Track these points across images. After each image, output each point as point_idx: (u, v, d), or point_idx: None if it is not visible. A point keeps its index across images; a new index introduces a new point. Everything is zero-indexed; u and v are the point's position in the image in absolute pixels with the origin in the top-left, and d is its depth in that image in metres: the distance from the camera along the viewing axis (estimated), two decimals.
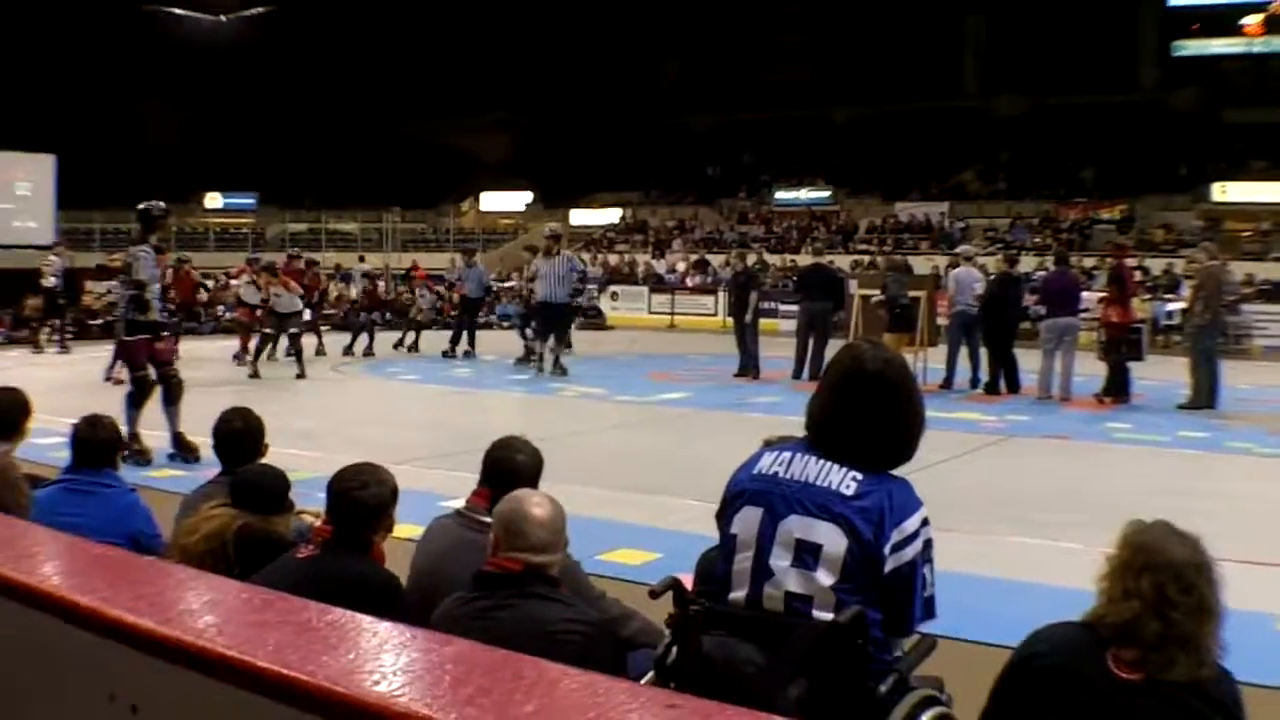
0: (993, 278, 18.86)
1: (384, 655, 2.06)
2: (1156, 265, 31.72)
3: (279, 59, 50.64)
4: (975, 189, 44.80)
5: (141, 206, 12.22)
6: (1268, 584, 8.01)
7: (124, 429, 10.33)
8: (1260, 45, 44.62)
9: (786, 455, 3.62)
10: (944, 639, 3.97)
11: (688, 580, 3.79)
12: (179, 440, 11.53)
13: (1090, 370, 17.13)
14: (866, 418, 3.55)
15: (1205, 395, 16.14)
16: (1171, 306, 22.93)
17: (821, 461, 3.54)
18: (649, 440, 13.86)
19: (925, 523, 3.48)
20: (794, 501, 3.50)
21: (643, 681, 3.54)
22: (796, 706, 3.24)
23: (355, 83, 51.97)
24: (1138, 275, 26.83)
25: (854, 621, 3.35)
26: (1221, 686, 3.26)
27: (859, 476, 3.47)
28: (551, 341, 19.66)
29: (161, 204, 12.59)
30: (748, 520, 3.57)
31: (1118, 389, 16.59)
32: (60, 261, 24.84)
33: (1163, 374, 17.79)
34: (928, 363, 17.30)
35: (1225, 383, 16.67)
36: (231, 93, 50.88)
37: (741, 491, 3.64)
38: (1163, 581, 3.22)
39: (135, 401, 11.62)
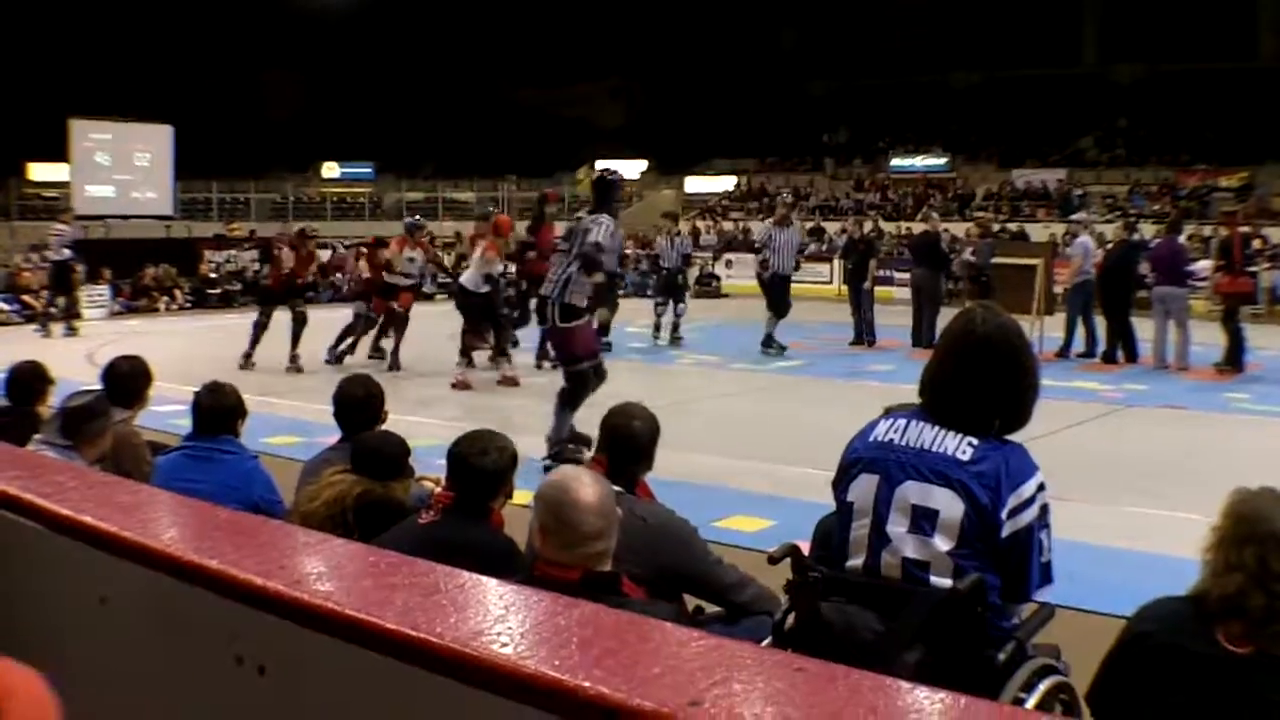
0: (1110, 246, 18.60)
1: (511, 618, 2.08)
2: (1277, 234, 30.97)
3: (395, 28, 50.94)
4: (1093, 156, 43.96)
5: (597, 174, 10.90)
6: None
7: (549, 434, 9.92)
8: None
9: (902, 422, 3.63)
10: (1062, 608, 3.96)
11: (805, 547, 3.77)
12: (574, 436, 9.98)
13: (1210, 339, 16.81)
14: (979, 382, 3.55)
15: None
16: None
17: (937, 428, 3.55)
18: (765, 408, 13.85)
19: (1042, 488, 3.48)
20: (910, 468, 3.51)
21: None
22: (915, 672, 3.22)
23: (470, 51, 52.12)
24: (1257, 244, 26.25)
25: (973, 589, 3.36)
26: None
27: (975, 442, 3.47)
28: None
29: (614, 169, 11.29)
30: (864, 488, 3.59)
31: (1234, 359, 16.29)
32: (71, 231, 22.90)
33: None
34: (1044, 331, 17.04)
35: None
36: (348, 62, 51.24)
37: (857, 459, 3.65)
38: (1265, 553, 3.15)
39: (573, 399, 9.90)
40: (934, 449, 3.51)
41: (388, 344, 16.95)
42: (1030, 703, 3.37)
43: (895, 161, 46.01)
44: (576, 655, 1.87)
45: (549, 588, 3.46)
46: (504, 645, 1.90)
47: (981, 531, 3.41)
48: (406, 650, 1.96)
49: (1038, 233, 33.28)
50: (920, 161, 45.43)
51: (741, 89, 50.50)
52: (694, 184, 47.66)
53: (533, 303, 13.07)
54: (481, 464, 4.37)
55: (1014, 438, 3.58)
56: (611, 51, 50.98)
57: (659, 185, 47.14)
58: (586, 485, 3.54)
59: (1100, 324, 17.63)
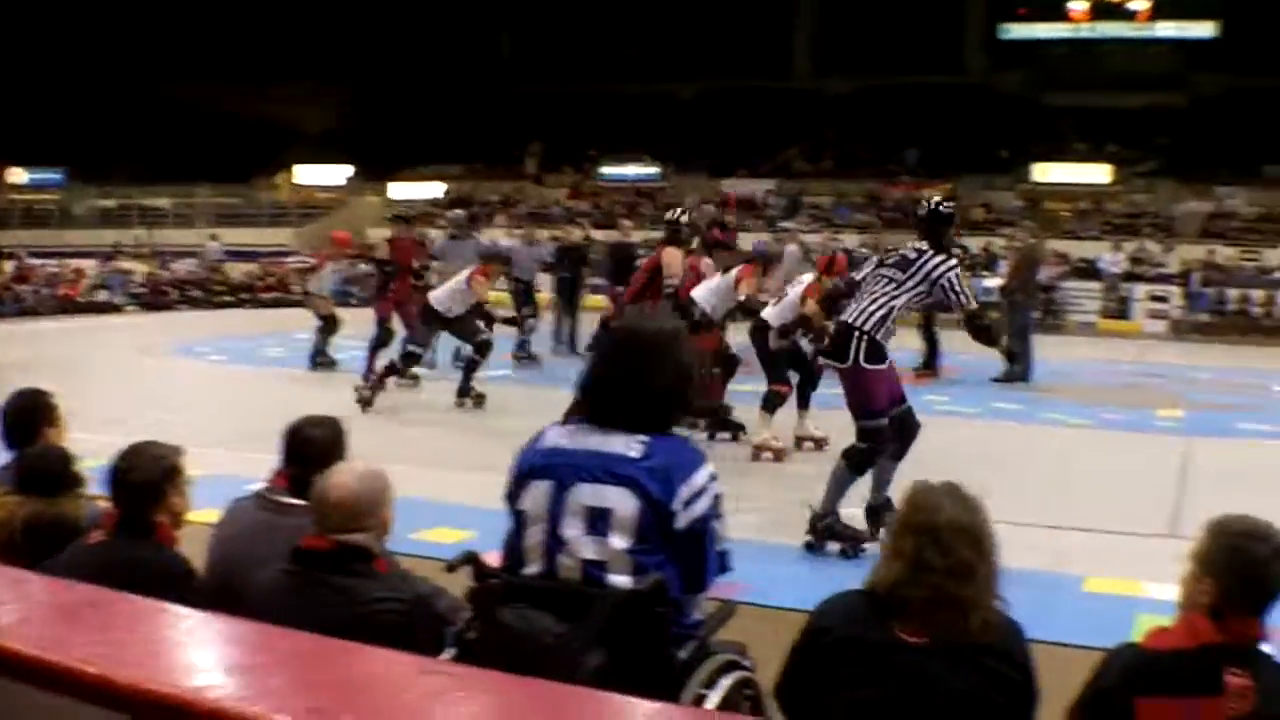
0: (816, 256, 19.13)
1: (187, 645, 2.06)
2: (976, 243, 32.41)
3: (72, 28, 48.79)
4: (801, 167, 45.19)
5: (933, 204, 8.79)
6: (1077, 547, 8.32)
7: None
8: (1085, 30, 45.75)
9: (570, 427, 3.69)
10: (748, 605, 4.03)
11: (496, 557, 3.79)
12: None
13: (911, 344, 17.43)
14: (638, 381, 3.61)
15: (1021, 369, 16.60)
16: (989, 283, 23.51)
17: (605, 429, 3.59)
18: (470, 419, 13.78)
19: (714, 478, 3.57)
20: (581, 470, 3.54)
21: (443, 656, 3.56)
22: (596, 675, 3.26)
23: (157, 50, 50.25)
24: (957, 253, 27.33)
25: (653, 589, 3.40)
26: (1009, 641, 3.35)
27: (643, 439, 3.53)
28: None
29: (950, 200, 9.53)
30: (536, 494, 3.61)
31: (931, 363, 17.03)
32: None
33: (979, 348, 18.14)
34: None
35: (1040, 357, 17.19)
36: (22, 60, 48.94)
37: (529, 468, 3.68)
38: (922, 543, 3.29)
39: (864, 462, 8.32)
40: (604, 449, 3.55)
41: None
42: (713, 699, 3.44)
43: (607, 170, 46.35)
44: (259, 683, 1.88)
45: (307, 557, 3.79)
46: (182, 676, 1.88)
47: (657, 525, 3.47)
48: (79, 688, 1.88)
49: (746, 242, 33.92)
50: (631, 170, 45.87)
51: (454, 94, 50.14)
52: (400, 190, 46.89)
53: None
54: (130, 478, 4.26)
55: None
56: (318, 52, 49.93)
57: (364, 191, 46.34)
58: (337, 485, 3.86)
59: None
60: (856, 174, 42.66)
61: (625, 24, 50.97)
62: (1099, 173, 41.55)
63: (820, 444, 11.61)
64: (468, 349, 14.72)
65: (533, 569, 3.61)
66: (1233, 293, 31.33)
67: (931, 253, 8.30)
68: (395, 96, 50.41)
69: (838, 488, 8.17)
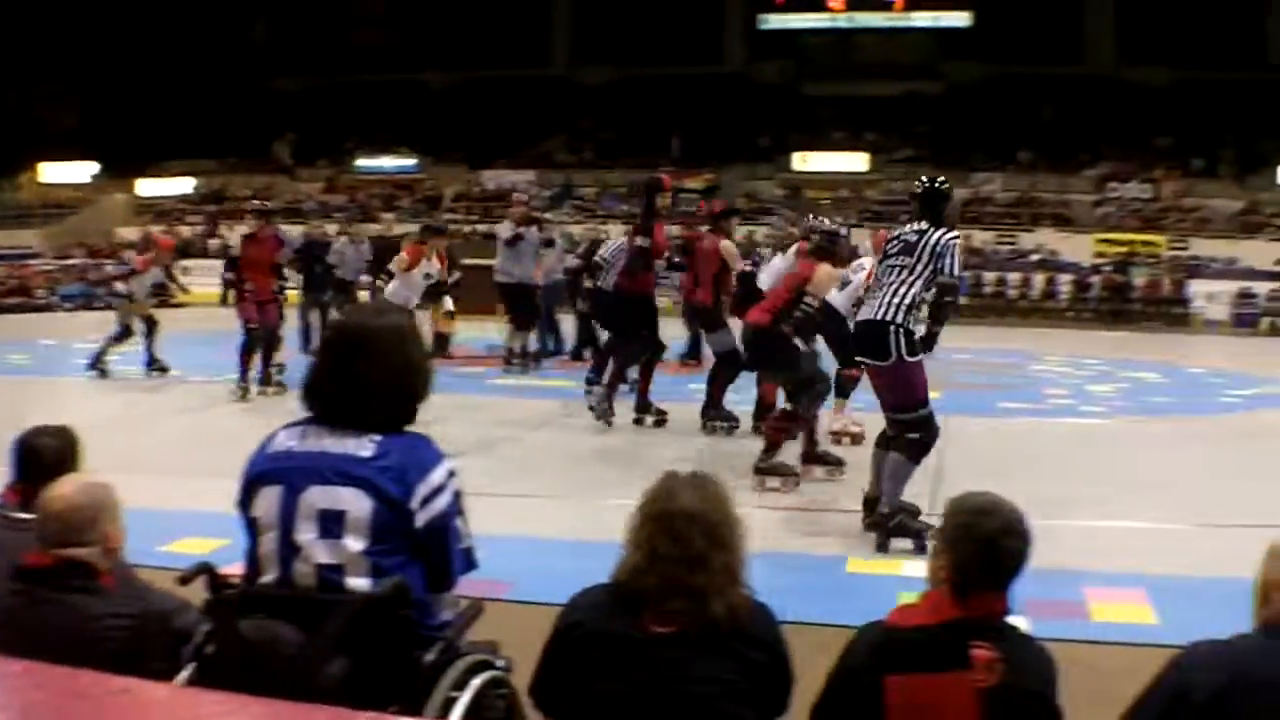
0: (582, 246, 19.16)
1: None
2: (737, 233, 32.80)
3: None
4: (562, 158, 45.28)
5: (929, 184, 8.73)
6: (841, 530, 8.47)
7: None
8: (843, 20, 46.72)
9: (300, 429, 3.58)
10: (503, 602, 3.97)
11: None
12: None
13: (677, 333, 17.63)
14: (364, 378, 3.54)
15: None
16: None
17: (336, 430, 3.51)
18: (223, 422, 13.38)
19: (452, 474, 3.52)
20: (312, 472, 3.45)
21: (182, 673, 3.44)
22: (338, 684, 3.19)
23: None
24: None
25: (393, 592, 3.34)
26: (758, 626, 3.35)
27: (376, 438, 3.46)
28: None
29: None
30: (268, 500, 3.50)
31: (695, 352, 17.17)
32: None
33: None
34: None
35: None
36: None
37: (259, 474, 3.56)
38: (655, 532, 3.30)
39: (922, 451, 8.42)
40: (335, 450, 3.47)
41: None
42: (462, 701, 3.38)
43: (363, 162, 45.83)
44: None
45: (31, 575, 3.69)
46: None
47: (395, 525, 3.41)
48: None
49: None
50: (389, 162, 45.44)
51: (205, 86, 48.87)
52: (148, 187, 45.57)
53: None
54: None
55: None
56: (65, 48, 48.12)
57: (109, 189, 44.88)
58: (55, 498, 3.75)
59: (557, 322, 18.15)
60: (618, 163, 42.88)
61: (380, 13, 50.39)
62: (858, 161, 42.73)
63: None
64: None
65: (269, 577, 3.48)
66: (990, 275, 32.42)
67: (932, 229, 8.28)
68: (144, 91, 48.88)
69: (898, 482, 8.19)
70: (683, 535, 3.27)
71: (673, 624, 3.24)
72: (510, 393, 15.07)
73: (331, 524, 3.40)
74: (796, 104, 45.76)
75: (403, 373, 3.59)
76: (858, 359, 8.86)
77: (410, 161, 45.10)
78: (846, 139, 43.88)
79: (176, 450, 11.36)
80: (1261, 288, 31.41)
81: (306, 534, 3.42)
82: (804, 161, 42.66)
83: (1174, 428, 13.15)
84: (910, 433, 8.22)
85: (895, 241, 8.48)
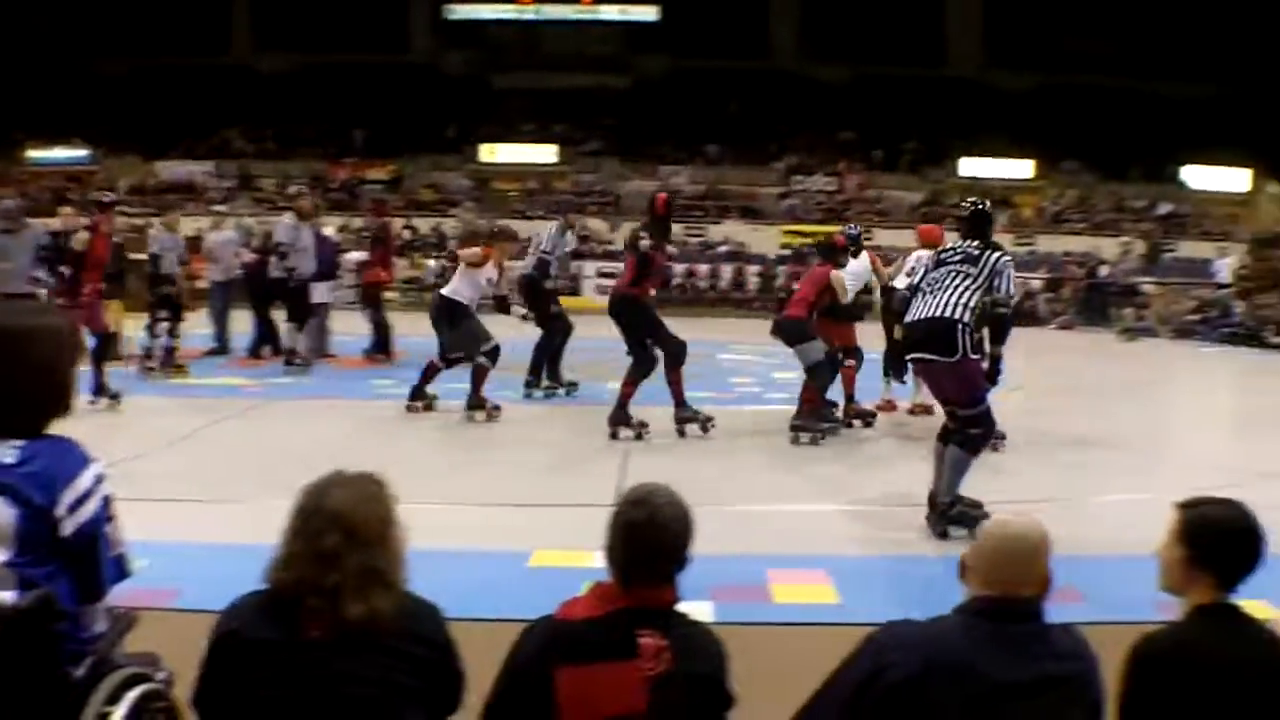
0: (256, 240, 18.69)
1: None
2: (425, 225, 32.70)
3: None
4: (241, 148, 44.27)
5: (978, 205, 9.40)
6: (527, 523, 8.40)
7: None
8: (531, 12, 46.88)
9: None
10: (171, 611, 3.77)
11: None
12: None
13: (359, 329, 17.34)
14: (2, 379, 3.35)
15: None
16: (436, 264, 23.73)
17: None
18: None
19: (100, 479, 3.36)
20: None
21: None
22: None
23: None
24: (407, 234, 27.75)
25: (39, 605, 3.16)
26: (419, 623, 3.29)
27: (18, 443, 3.29)
28: None
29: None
30: None
31: (382, 346, 16.92)
32: None
33: (430, 330, 18.20)
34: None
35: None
36: None
37: None
38: (294, 530, 3.22)
39: (980, 444, 8.80)
40: None
41: None
42: (117, 717, 3.27)
43: (33, 154, 43.96)
44: None
45: None
46: None
47: (42, 534, 3.24)
48: None
49: (187, 226, 32.88)
50: (60, 153, 43.68)
51: None
52: None
53: None
54: None
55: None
56: None
57: None
58: None
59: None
60: (300, 154, 42.16)
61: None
62: (546, 153, 42.92)
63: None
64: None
65: None
66: (679, 267, 32.85)
67: (991, 248, 8.85)
68: None
69: (957, 474, 8.48)
70: (318, 533, 3.17)
71: (322, 626, 3.13)
72: (182, 393, 14.51)
73: None
74: (484, 95, 45.78)
75: (50, 375, 3.43)
76: (915, 356, 9.13)
77: (82, 152, 43.39)
78: (535, 131, 44.00)
79: None
80: None
81: None
82: (492, 153, 42.67)
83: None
84: (972, 427, 8.60)
85: (954, 251, 8.96)
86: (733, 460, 11.08)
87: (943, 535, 8.36)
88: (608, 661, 3.22)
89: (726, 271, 33.74)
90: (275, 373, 15.84)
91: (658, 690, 3.19)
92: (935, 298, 8.73)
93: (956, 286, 8.70)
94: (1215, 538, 3.42)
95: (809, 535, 8.38)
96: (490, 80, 46.55)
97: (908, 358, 9.37)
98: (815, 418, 12.18)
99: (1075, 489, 9.33)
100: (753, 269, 33.89)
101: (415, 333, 17.99)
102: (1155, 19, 43.32)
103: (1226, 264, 30.42)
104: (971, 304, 8.62)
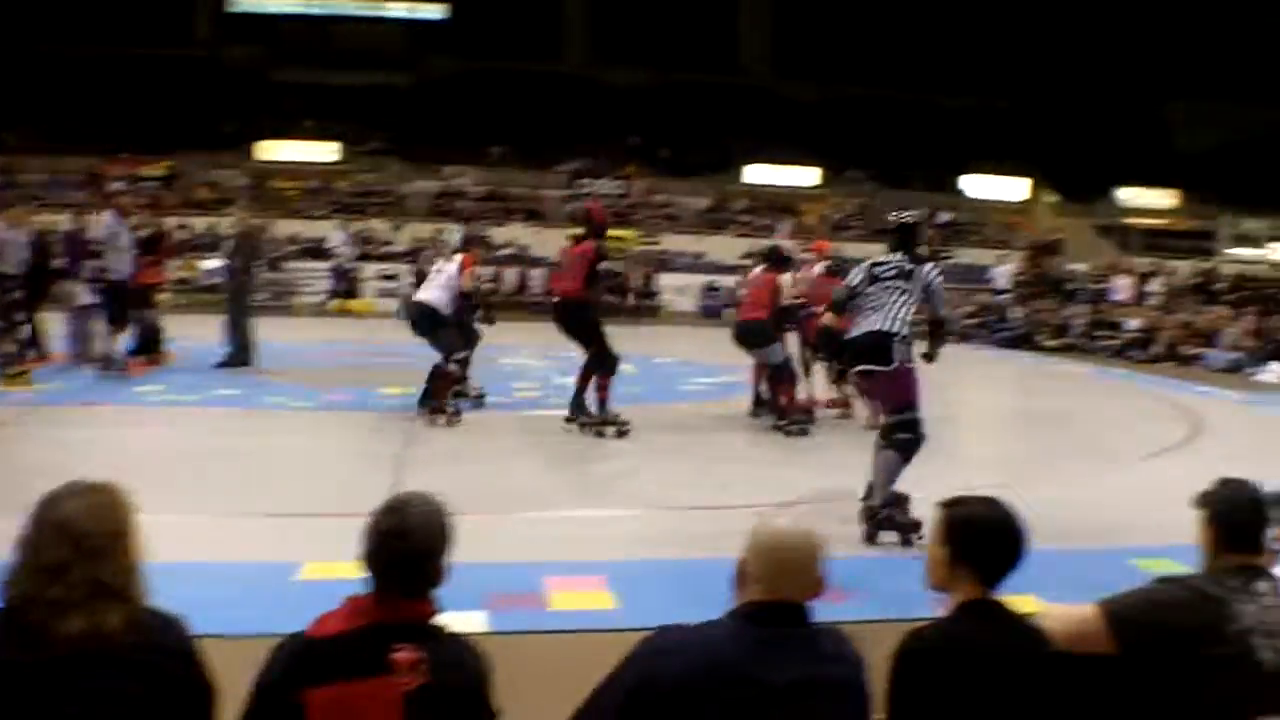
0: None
1: None
2: (201, 223, 32.01)
3: None
4: (11, 143, 42.74)
5: (905, 219, 9.67)
6: (299, 533, 8.18)
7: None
8: (317, 7, 46.25)
9: None
10: None
11: None
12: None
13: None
14: None
15: (243, 352, 16.41)
16: (212, 265, 23.19)
17: None
18: None
19: None
20: None
21: None
22: None
23: None
24: (181, 234, 27.16)
25: None
26: (160, 634, 3.18)
27: None
28: None
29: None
30: None
31: (150, 348, 16.46)
32: None
33: (202, 333, 17.79)
34: None
35: (264, 339, 17.04)
36: None
37: None
38: (24, 541, 3.10)
39: (911, 450, 8.90)
40: None
41: None
42: None
43: None
44: None
45: None
46: None
47: None
48: None
49: None
50: None
51: None
52: None
53: None
54: None
55: None
56: None
57: None
58: None
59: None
60: (72, 150, 40.85)
61: None
62: (327, 151, 42.29)
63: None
64: None
65: None
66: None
67: (918, 265, 9.20)
68: None
69: (889, 477, 8.74)
70: (44, 545, 3.06)
71: (54, 643, 2.99)
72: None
73: None
74: (265, 90, 45.02)
75: None
76: (857, 367, 9.34)
77: None
78: (316, 128, 43.33)
79: None
80: (726, 281, 32.79)
81: None
82: (271, 150, 41.90)
83: (643, 416, 13.42)
84: (903, 432, 8.84)
85: (889, 267, 9.21)
86: (513, 464, 11.00)
87: (869, 539, 8.59)
88: (359, 679, 3.13)
89: (509, 275, 33.52)
90: (41, 376, 15.20)
91: (412, 706, 3.12)
92: (875, 314, 9.10)
93: (894, 303, 9.09)
94: (976, 536, 3.57)
95: (588, 541, 8.33)
96: (271, 75, 45.77)
97: (851, 371, 9.55)
98: (797, 413, 13.16)
99: (846, 488, 9.42)
100: (537, 272, 33.82)
101: (193, 334, 17.64)
102: (938, 33, 44.52)
103: (1004, 271, 31.54)
104: (908, 317, 9.04)
